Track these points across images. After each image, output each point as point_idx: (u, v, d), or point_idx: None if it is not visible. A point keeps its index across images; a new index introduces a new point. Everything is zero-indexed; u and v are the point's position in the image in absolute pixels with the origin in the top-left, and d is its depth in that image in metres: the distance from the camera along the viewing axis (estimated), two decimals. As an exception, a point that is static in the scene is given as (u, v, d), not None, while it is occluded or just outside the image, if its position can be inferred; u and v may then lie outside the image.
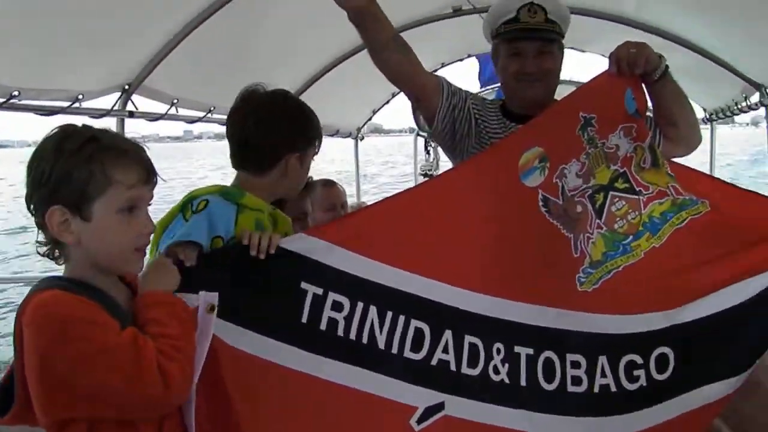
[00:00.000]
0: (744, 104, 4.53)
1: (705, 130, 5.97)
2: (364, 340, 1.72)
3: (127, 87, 3.33)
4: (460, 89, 2.39)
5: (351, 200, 4.21)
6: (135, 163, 1.46)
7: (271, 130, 1.93)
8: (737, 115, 4.85)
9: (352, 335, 1.71)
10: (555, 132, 2.01)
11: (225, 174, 2.89)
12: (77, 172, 1.40)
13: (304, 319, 1.68)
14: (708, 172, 5.97)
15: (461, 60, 6.37)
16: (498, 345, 1.85)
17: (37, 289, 1.44)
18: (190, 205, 1.84)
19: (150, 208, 1.53)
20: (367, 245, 1.77)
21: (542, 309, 1.90)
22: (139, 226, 1.48)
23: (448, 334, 1.81)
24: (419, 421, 1.74)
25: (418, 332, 1.78)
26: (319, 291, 1.70)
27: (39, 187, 1.42)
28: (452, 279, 1.84)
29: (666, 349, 1.93)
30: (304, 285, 1.69)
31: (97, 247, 1.45)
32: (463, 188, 1.95)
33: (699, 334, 1.95)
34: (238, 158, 1.98)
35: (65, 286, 1.43)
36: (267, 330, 1.64)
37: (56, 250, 1.48)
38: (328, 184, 3.84)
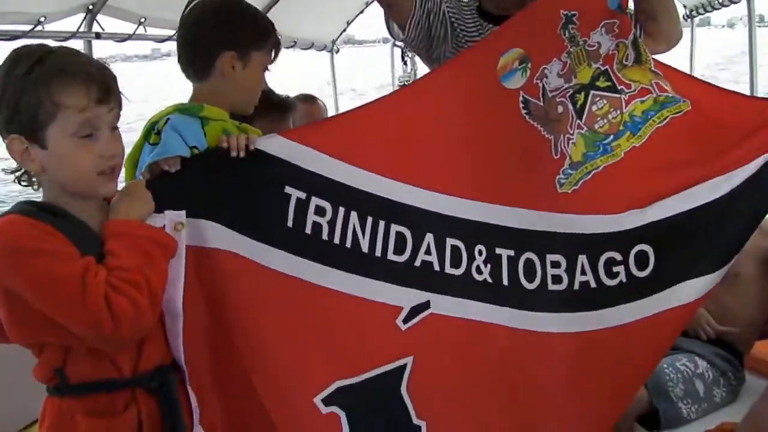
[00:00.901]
0: (725, -1, 4.46)
1: (685, 29, 5.90)
2: (348, 244, 1.72)
3: (91, 7, 3.19)
4: None
5: (331, 113, 4.14)
6: (84, 84, 1.37)
7: (200, 27, 1.85)
8: (718, 9, 4.77)
9: (336, 239, 1.70)
10: (535, 32, 1.95)
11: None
12: (26, 98, 1.34)
13: (289, 224, 1.66)
14: (689, 71, 6.03)
15: None
16: (479, 247, 1.86)
17: (3, 214, 1.41)
18: (152, 129, 1.77)
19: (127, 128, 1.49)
20: (346, 150, 1.75)
21: (522, 211, 1.90)
22: (99, 149, 1.40)
23: (429, 238, 1.81)
24: (405, 321, 1.76)
25: (400, 236, 1.78)
26: (302, 195, 1.68)
27: None
28: (432, 184, 1.83)
29: (646, 247, 1.94)
30: (288, 189, 1.67)
31: (59, 173, 1.41)
32: (440, 92, 1.90)
33: (678, 229, 1.96)
34: (182, 69, 1.90)
35: (29, 210, 1.39)
36: (255, 233, 1.63)
37: (29, 177, 1.45)
38: (309, 100, 3.78)
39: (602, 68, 1.98)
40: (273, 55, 1.91)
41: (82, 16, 3.18)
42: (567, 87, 1.96)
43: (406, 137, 1.85)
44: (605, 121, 1.97)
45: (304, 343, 1.68)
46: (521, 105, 1.93)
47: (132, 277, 1.36)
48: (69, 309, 1.33)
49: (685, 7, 5.51)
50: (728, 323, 2.62)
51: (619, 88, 1.99)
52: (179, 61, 1.90)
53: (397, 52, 7.47)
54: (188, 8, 1.91)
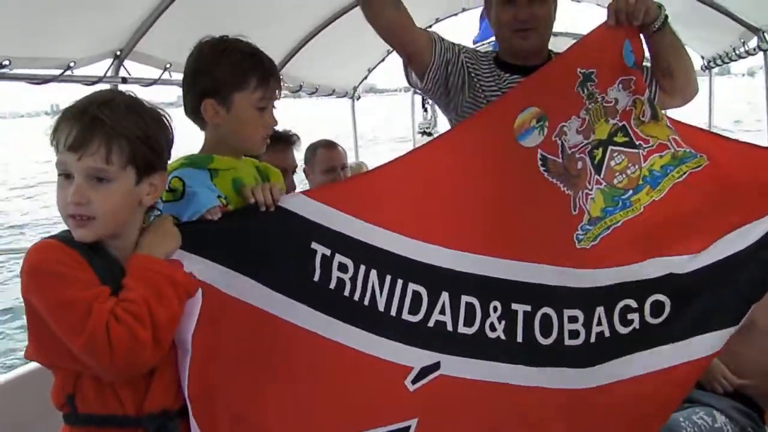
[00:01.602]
0: (742, 50, 4.48)
1: (703, 80, 5.93)
2: (366, 302, 1.74)
3: (118, 53, 3.29)
4: (453, 44, 2.35)
5: (350, 160, 4.19)
6: (67, 127, 1.42)
7: (184, 78, 1.85)
8: (735, 61, 4.80)
9: (356, 296, 1.73)
10: (552, 90, 1.99)
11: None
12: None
13: (316, 278, 1.70)
14: (707, 122, 6.05)
15: (456, 15, 6.23)
16: (495, 303, 1.86)
17: (46, 237, 1.49)
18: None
19: None
20: (365, 209, 1.78)
21: (540, 267, 1.91)
22: (69, 194, 1.41)
23: (444, 296, 1.82)
24: (414, 381, 1.76)
25: (416, 295, 1.79)
26: (327, 252, 1.72)
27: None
28: (450, 242, 1.85)
29: (662, 297, 1.93)
30: (314, 245, 1.71)
31: None
32: (458, 152, 1.94)
33: (696, 283, 1.94)
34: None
35: (66, 238, 1.45)
36: (281, 287, 1.65)
37: None
38: (329, 146, 3.82)
39: (620, 124, 2.00)
40: (265, 90, 1.81)
41: (110, 61, 3.28)
42: (586, 143, 1.98)
43: (423, 196, 1.88)
44: (624, 176, 1.98)
45: (314, 397, 1.69)
46: (540, 162, 1.94)
47: (136, 309, 1.39)
48: (72, 332, 1.37)
49: (702, 58, 5.56)
50: (743, 374, 2.56)
51: (637, 143, 2.00)
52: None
53: (418, 99, 7.57)
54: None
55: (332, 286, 1.71)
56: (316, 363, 1.69)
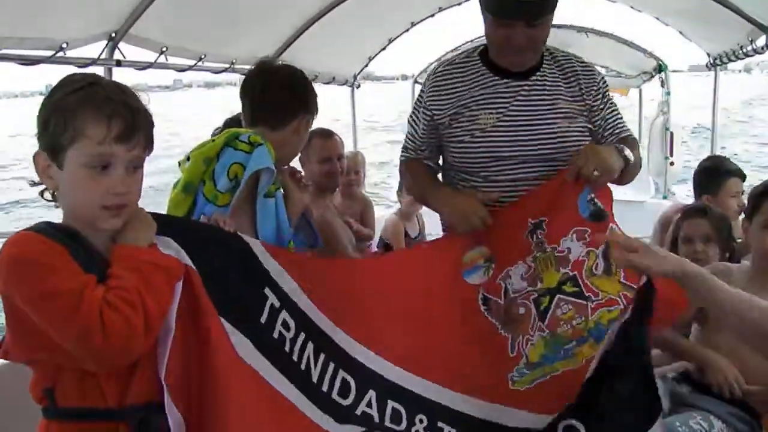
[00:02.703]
0: (749, 48, 4.41)
1: (708, 77, 5.87)
2: (302, 366, 1.74)
3: (113, 35, 3.22)
4: (424, 114, 2.44)
5: (347, 149, 4.13)
6: (107, 119, 1.41)
7: (292, 89, 2.20)
8: (742, 59, 4.74)
9: (295, 357, 1.73)
10: (503, 234, 2.02)
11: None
12: (54, 119, 1.41)
13: (263, 320, 1.69)
14: (710, 116, 5.99)
15: (432, 16, 5.90)
16: (421, 416, 1.87)
17: (21, 230, 1.46)
18: (237, 137, 1.99)
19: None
20: (314, 288, 1.82)
21: (470, 398, 1.92)
22: (108, 184, 1.44)
23: (371, 394, 1.83)
24: None
25: (345, 383, 1.81)
26: (276, 304, 1.72)
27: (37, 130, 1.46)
28: (382, 350, 1.87)
29: (575, 422, 1.79)
30: (266, 291, 1.71)
31: (67, 197, 1.47)
32: (409, 271, 2.01)
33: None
34: (254, 115, 2.17)
35: (44, 229, 1.43)
36: (231, 314, 1.62)
37: (53, 194, 1.51)
38: (325, 135, 3.75)
39: (570, 274, 2.00)
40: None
41: (104, 43, 3.21)
42: (531, 290, 2.00)
43: (368, 301, 1.92)
44: (569, 326, 1.97)
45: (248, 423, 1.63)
46: (480, 301, 1.99)
47: (129, 296, 1.39)
48: (63, 321, 1.35)
49: (708, 55, 5.50)
50: (748, 380, 2.52)
51: (587, 295, 1.99)
52: (253, 110, 2.18)
53: (418, 89, 7.49)
54: (261, 66, 2.28)
55: (275, 335, 1.70)
56: (254, 396, 1.64)
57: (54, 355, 1.40)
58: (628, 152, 2.21)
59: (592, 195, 2.02)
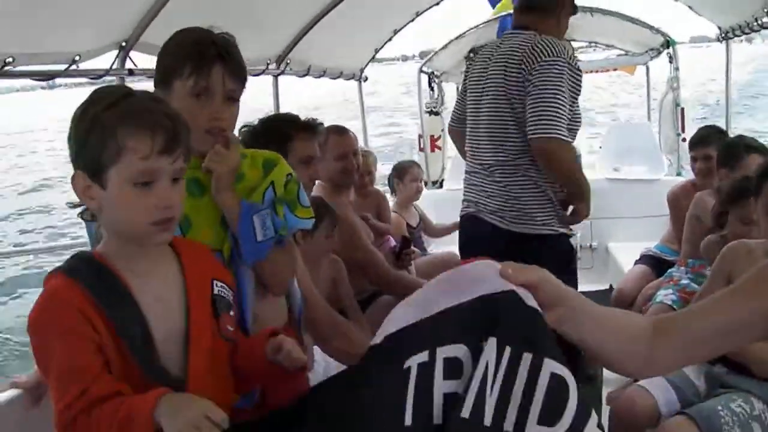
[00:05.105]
0: (766, 20, 4.33)
1: (719, 49, 5.80)
2: None
3: (123, 44, 3.18)
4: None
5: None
6: (150, 132, 1.36)
7: None
8: (757, 31, 4.66)
9: None
10: None
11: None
12: (93, 137, 1.37)
13: None
14: (723, 88, 5.91)
15: (438, 4, 5.79)
16: None
17: (52, 273, 1.43)
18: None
19: None
20: None
21: None
22: (155, 198, 1.39)
23: None
24: None
25: None
26: None
27: (69, 150, 1.42)
28: None
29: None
30: None
31: (113, 216, 1.42)
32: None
33: None
34: None
35: (75, 268, 1.41)
36: None
37: (92, 213, 1.47)
38: (340, 131, 3.74)
39: None
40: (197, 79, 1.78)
41: (115, 53, 3.18)
42: None
43: None
44: None
45: None
46: None
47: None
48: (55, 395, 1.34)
49: (719, 28, 5.42)
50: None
51: None
52: None
53: (425, 78, 7.45)
54: None
55: None
56: None
57: None
58: None
59: None
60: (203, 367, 1.45)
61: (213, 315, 1.52)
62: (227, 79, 1.80)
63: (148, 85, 3.11)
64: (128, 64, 3.22)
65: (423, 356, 1.20)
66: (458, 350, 1.19)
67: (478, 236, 3.15)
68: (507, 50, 3.05)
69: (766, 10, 4.24)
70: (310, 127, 2.76)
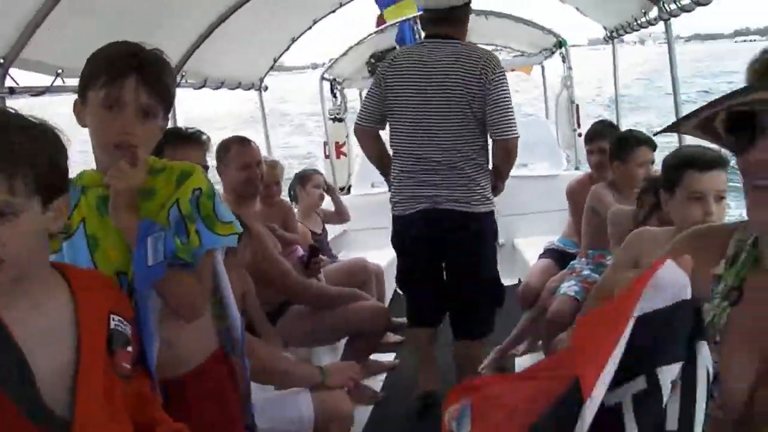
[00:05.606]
0: (643, 20, 4.58)
1: (606, 50, 6.07)
2: None
3: (1, 61, 3.01)
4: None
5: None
6: None
7: None
8: (637, 30, 4.92)
9: None
10: None
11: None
12: None
13: None
14: (613, 90, 6.20)
15: (333, 12, 5.87)
16: None
17: None
18: None
19: None
20: None
21: None
22: None
23: None
24: None
25: None
26: None
27: None
28: None
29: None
30: None
31: None
32: None
33: None
34: None
35: None
36: None
37: None
38: (243, 142, 3.71)
39: None
40: (108, 89, 1.69)
41: (-5, 70, 3.00)
42: None
43: None
44: None
45: None
46: None
47: None
48: None
49: (605, 28, 5.68)
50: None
51: None
52: None
53: (326, 85, 7.45)
54: None
55: None
56: None
57: None
58: None
59: None
60: (94, 407, 1.34)
61: (108, 351, 1.40)
62: (142, 91, 1.69)
63: (32, 103, 2.96)
64: (8, 82, 3.04)
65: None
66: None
67: (436, 227, 3.61)
68: (456, 59, 3.50)
69: (643, 11, 4.48)
70: (191, 138, 2.73)
